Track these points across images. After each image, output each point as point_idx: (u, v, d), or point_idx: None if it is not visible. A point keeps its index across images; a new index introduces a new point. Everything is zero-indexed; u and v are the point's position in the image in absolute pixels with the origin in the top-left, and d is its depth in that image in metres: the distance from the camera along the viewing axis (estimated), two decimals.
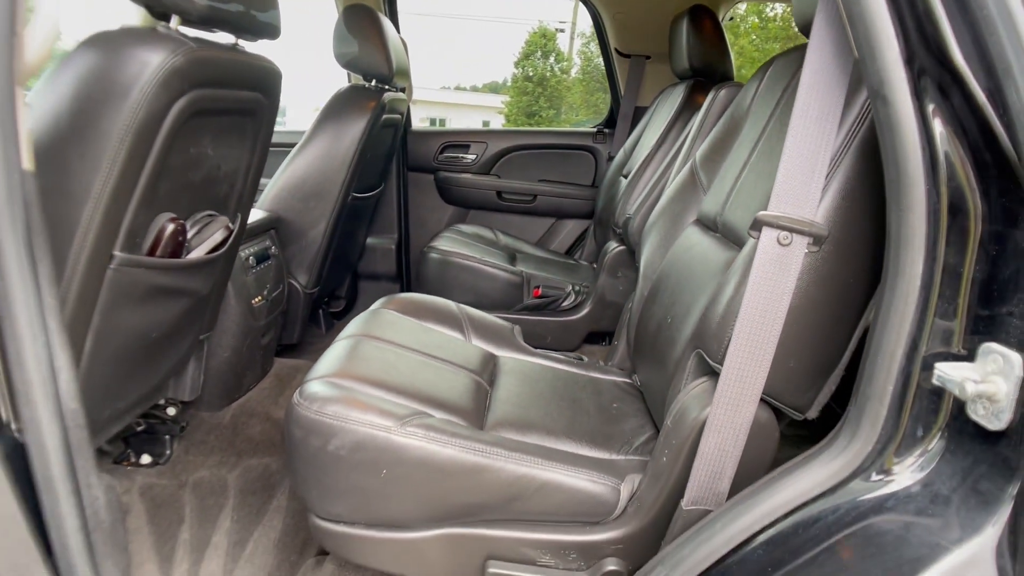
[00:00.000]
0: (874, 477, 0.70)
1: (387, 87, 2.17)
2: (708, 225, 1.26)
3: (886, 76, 0.64)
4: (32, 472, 0.64)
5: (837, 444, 0.75)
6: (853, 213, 0.82)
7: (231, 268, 1.54)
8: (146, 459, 1.56)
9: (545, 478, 0.99)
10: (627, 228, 1.92)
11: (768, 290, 0.81)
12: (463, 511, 1.00)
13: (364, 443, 0.96)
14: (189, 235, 1.20)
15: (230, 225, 1.33)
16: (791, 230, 0.80)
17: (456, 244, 2.27)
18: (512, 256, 2.40)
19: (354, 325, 1.36)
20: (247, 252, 1.77)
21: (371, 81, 2.14)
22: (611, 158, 2.59)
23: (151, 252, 1.09)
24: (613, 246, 2.04)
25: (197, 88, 1.05)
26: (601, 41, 2.61)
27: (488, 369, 1.37)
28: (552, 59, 30.10)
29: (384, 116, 2.11)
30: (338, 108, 2.03)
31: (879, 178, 0.69)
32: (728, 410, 0.85)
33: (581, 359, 1.52)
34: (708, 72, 2.08)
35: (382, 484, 0.97)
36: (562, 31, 30.17)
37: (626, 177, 2.27)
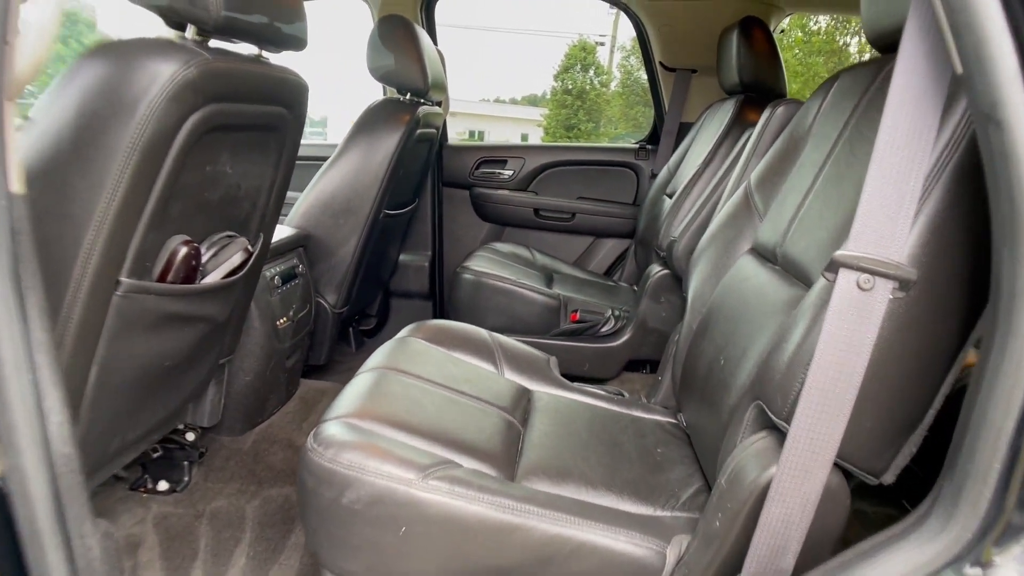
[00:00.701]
0: (969, 570, 0.60)
1: (422, 100, 2.10)
2: (766, 256, 1.14)
3: (1000, 96, 0.53)
4: (15, 523, 0.57)
5: (928, 527, 0.63)
6: (943, 251, 0.70)
7: (253, 291, 1.47)
8: (163, 486, 1.50)
9: (581, 539, 0.88)
10: (671, 251, 1.81)
11: (846, 340, 0.70)
12: (490, 574, 0.89)
13: (382, 497, 0.87)
14: (204, 258, 1.13)
15: (250, 247, 1.26)
16: (874, 273, 0.68)
17: (491, 264, 2.18)
18: (549, 277, 2.30)
19: (379, 355, 1.29)
20: (272, 272, 1.71)
21: (406, 95, 2.07)
22: (654, 176, 2.48)
23: (162, 277, 1.02)
24: (656, 270, 1.93)
25: (213, 102, 0.98)
26: (645, 54, 2.51)
27: (521, 406, 1.27)
28: (592, 72, 30.06)
29: (418, 131, 2.05)
30: (371, 122, 1.97)
31: (975, 211, 0.60)
32: (796, 476, 0.73)
33: (621, 394, 1.41)
34: (759, 87, 1.96)
35: (400, 542, 0.88)
36: (602, 44, 30.11)
37: (670, 196, 2.16)
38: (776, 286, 1.03)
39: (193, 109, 0.93)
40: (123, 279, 0.94)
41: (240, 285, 1.29)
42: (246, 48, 1.12)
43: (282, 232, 1.87)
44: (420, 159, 2.31)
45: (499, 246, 2.45)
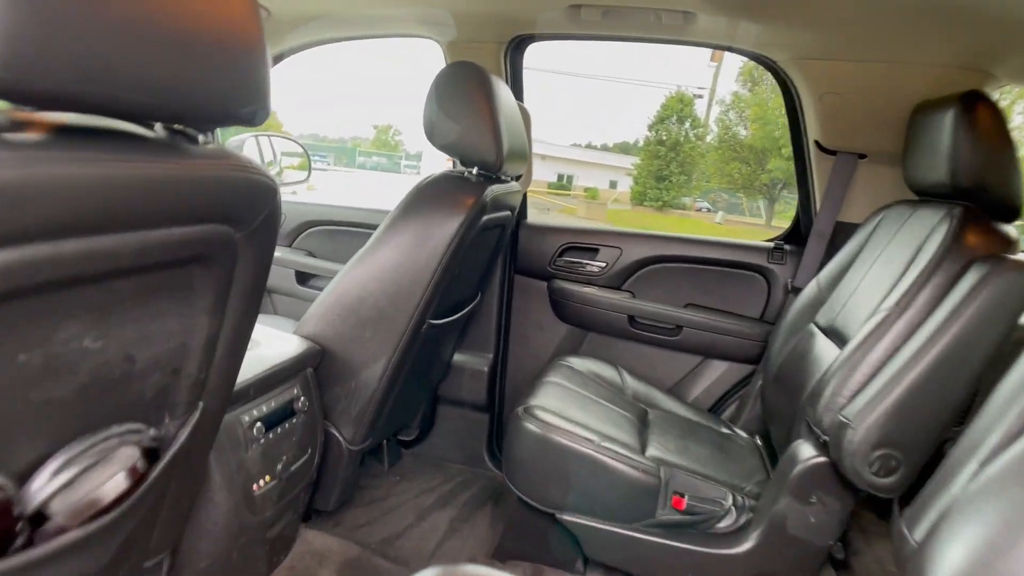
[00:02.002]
0: None
1: (495, 176, 1.58)
2: None
3: None
4: None
5: None
6: None
7: (197, 474, 0.96)
8: None
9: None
10: (840, 438, 1.19)
11: None
12: None
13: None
14: (43, 494, 0.62)
15: (153, 440, 0.74)
16: None
17: (564, 397, 1.60)
18: (642, 416, 1.70)
19: None
20: (252, 416, 1.20)
21: (472, 168, 1.56)
22: (795, 290, 1.86)
23: None
24: (807, 453, 1.30)
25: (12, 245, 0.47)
26: (794, 128, 1.91)
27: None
28: (687, 124, 29.38)
29: (486, 217, 1.52)
30: (421, 204, 1.45)
31: None
32: None
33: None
34: (984, 196, 1.32)
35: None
36: (700, 97, 29.53)
37: (826, 333, 1.53)
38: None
39: None
40: None
41: (142, 508, 0.76)
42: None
43: (281, 347, 1.36)
44: (487, 248, 1.78)
45: (578, 363, 1.87)
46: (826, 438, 1.25)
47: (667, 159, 28.08)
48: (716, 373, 2.04)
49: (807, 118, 1.82)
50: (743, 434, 1.79)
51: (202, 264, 0.70)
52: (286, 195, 2.45)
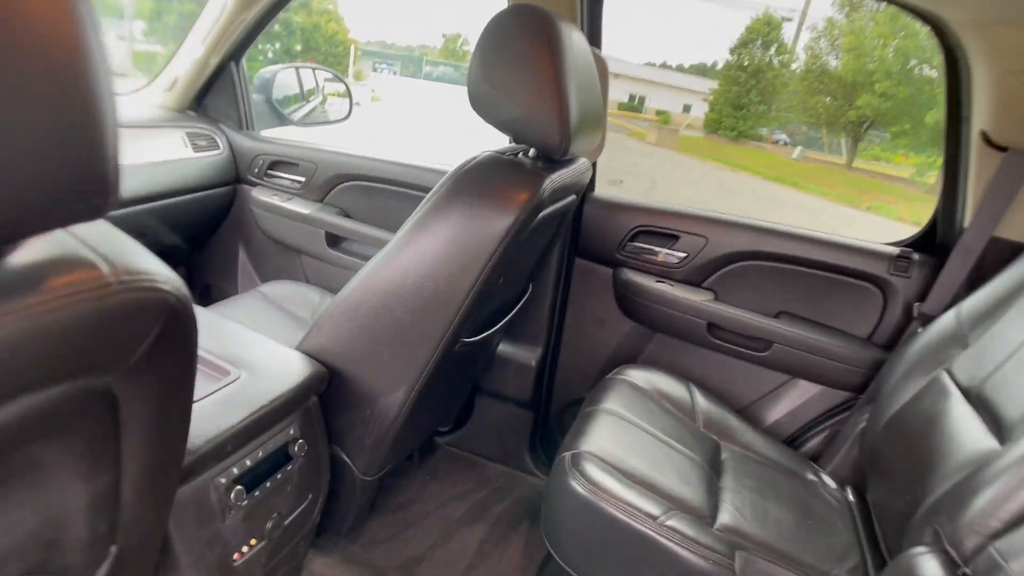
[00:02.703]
0: None
1: (558, 160, 1.25)
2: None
3: None
4: None
5: None
6: None
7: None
8: None
9: None
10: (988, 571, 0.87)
11: None
12: None
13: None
14: None
15: None
16: None
17: (622, 439, 1.31)
18: (714, 454, 1.41)
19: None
20: (231, 474, 0.96)
21: (529, 150, 1.22)
22: (924, 317, 1.48)
23: None
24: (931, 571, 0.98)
25: None
26: (952, 106, 1.48)
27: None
28: (772, 50, 27.37)
29: (543, 212, 1.20)
30: (460, 197, 1.14)
31: None
32: None
33: None
34: None
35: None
36: (789, 20, 27.41)
37: (973, 400, 1.17)
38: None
39: None
40: None
41: None
42: None
43: (276, 374, 1.10)
44: (541, 240, 1.47)
45: (641, 377, 1.56)
46: (966, 571, 0.93)
47: (747, 86, 26.41)
48: (804, 396, 1.71)
49: (975, 101, 1.39)
50: (832, 484, 1.47)
51: (52, 437, 0.42)
52: (321, 137, 2.15)
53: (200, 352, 1.10)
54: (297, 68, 2.42)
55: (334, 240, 1.99)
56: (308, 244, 2.02)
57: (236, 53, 1.98)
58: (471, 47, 1.24)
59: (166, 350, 0.47)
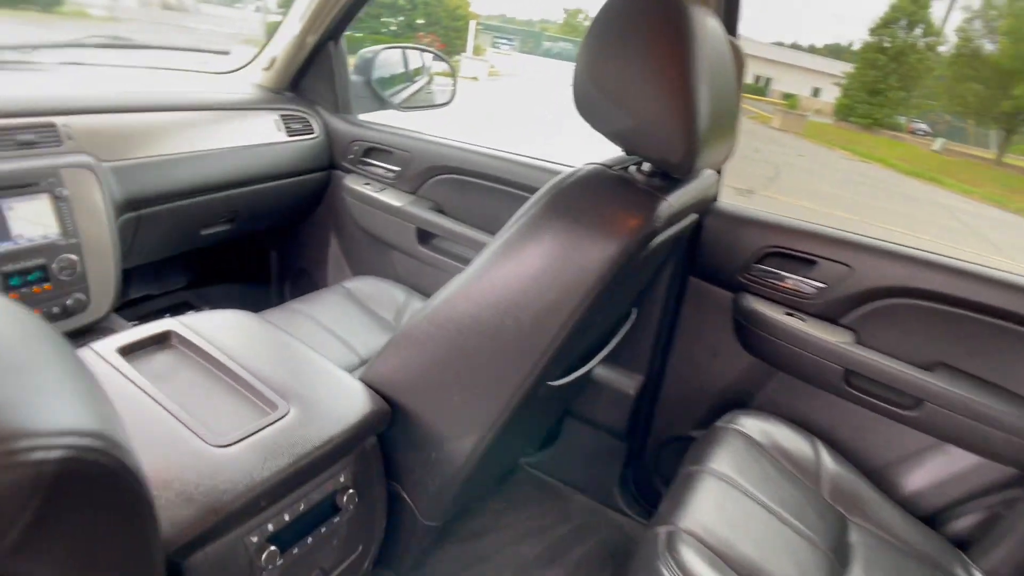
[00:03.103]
0: None
1: (679, 178, 1.03)
2: None
3: None
4: None
5: None
6: None
7: None
8: None
9: None
10: None
11: None
12: None
13: None
14: None
15: None
16: None
17: (730, 514, 1.10)
18: (840, 537, 1.16)
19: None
20: (265, 531, 0.83)
21: (643, 164, 1.01)
22: None
23: None
24: None
25: None
26: None
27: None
28: (919, 31, 25.06)
29: (657, 240, 0.99)
30: (556, 218, 0.95)
31: None
32: None
33: None
34: None
35: None
36: None
37: None
38: None
39: None
40: None
41: None
42: None
43: (331, 412, 0.96)
44: (651, 266, 1.26)
45: (757, 429, 1.32)
46: None
47: (886, 70, 24.36)
48: (956, 466, 1.41)
49: None
50: None
51: None
52: (414, 124, 2.01)
53: (249, 377, 0.97)
54: (403, 48, 2.30)
55: (425, 236, 1.85)
56: (398, 239, 1.90)
57: (334, 32, 1.86)
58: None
59: (69, 522, 0.32)
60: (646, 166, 1.00)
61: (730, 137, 1.12)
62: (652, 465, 1.77)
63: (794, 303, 1.50)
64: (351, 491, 0.94)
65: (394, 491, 1.13)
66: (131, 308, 1.99)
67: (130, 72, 1.74)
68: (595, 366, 1.30)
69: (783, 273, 1.52)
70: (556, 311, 0.93)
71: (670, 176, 1.01)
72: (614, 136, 0.94)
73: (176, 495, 0.75)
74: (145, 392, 0.89)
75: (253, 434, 0.86)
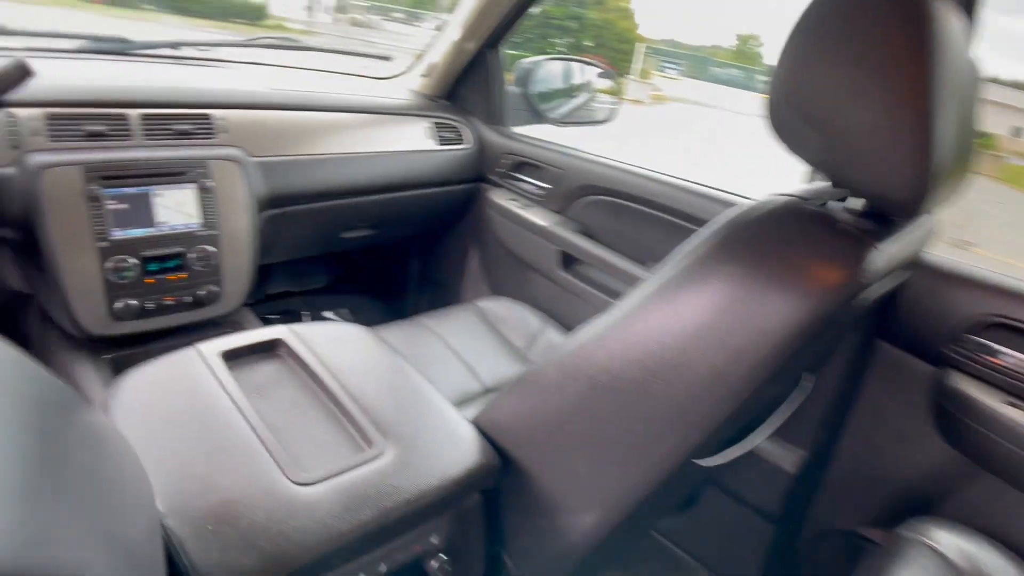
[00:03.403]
0: None
1: (894, 220, 0.80)
2: None
3: None
4: None
5: None
6: None
7: None
8: None
9: None
10: None
11: None
12: None
13: None
14: None
15: None
16: None
17: None
18: None
19: None
20: None
21: (848, 198, 0.79)
22: None
23: None
24: None
25: None
26: None
27: None
28: None
29: (862, 296, 0.77)
30: (733, 259, 0.75)
31: None
32: None
33: None
34: None
35: None
36: None
37: None
38: None
39: None
40: None
41: None
42: None
43: (433, 451, 0.83)
44: (844, 325, 1.02)
45: (953, 548, 1.03)
46: None
47: None
48: None
49: None
50: None
51: None
52: (569, 142, 1.87)
53: (350, 404, 0.86)
54: (567, 60, 2.18)
55: (569, 261, 1.70)
56: (540, 261, 1.76)
57: (493, 40, 1.78)
58: (764, 48, 0.83)
59: None
60: (853, 202, 0.78)
61: (964, 173, 0.87)
62: (805, 559, 1.48)
63: (1020, 391, 1.17)
64: (443, 556, 0.80)
65: (497, 556, 0.97)
66: (270, 303, 2.01)
67: (292, 72, 1.75)
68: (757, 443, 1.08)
69: (1007, 351, 1.19)
70: (720, 381, 0.73)
71: (884, 217, 0.78)
72: (818, 163, 0.73)
73: (239, 537, 0.64)
74: (238, 407, 0.81)
75: (339, 474, 0.74)
